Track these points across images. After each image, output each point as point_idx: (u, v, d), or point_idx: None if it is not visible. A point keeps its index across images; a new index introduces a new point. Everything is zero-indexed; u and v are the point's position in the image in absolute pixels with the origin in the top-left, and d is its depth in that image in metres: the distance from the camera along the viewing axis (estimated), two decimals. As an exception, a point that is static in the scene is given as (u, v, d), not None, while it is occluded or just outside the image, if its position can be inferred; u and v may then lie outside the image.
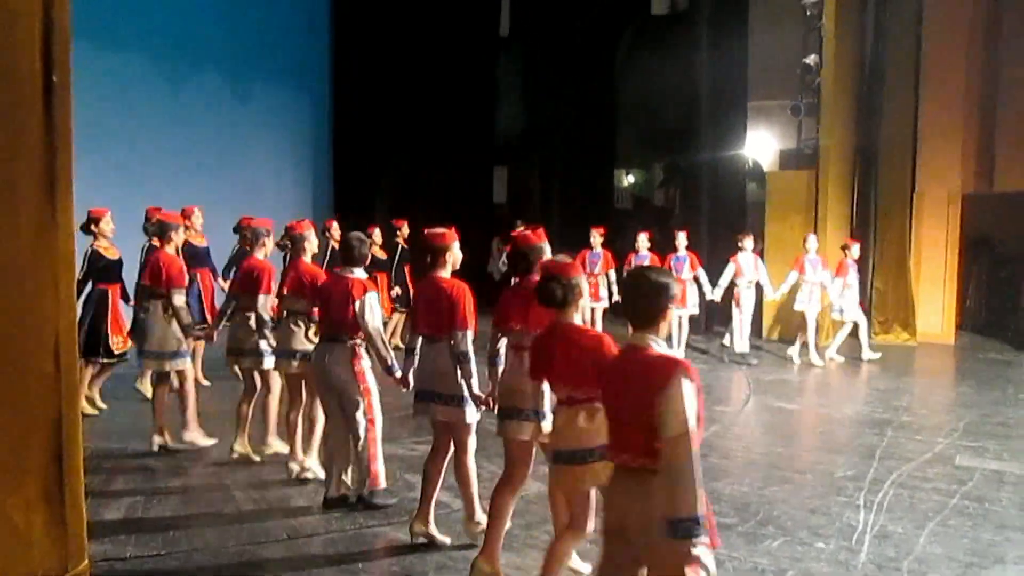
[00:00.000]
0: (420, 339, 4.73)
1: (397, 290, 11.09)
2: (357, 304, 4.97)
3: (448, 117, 15.20)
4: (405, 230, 11.44)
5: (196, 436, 6.46)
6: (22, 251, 1.71)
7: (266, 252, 6.15)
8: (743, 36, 13.57)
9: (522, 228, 10.52)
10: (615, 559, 2.81)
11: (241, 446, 6.14)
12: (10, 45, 1.72)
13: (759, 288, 10.56)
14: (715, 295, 10.56)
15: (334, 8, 15.26)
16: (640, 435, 2.66)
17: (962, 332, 12.32)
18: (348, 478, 5.27)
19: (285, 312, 5.85)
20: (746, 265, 10.43)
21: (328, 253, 9.89)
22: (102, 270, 7.10)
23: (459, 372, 4.50)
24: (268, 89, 13.90)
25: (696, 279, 10.58)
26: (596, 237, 10.89)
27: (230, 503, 5.36)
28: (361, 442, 5.12)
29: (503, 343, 4.39)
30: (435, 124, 15.18)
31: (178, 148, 12.05)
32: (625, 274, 3.14)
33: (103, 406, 7.40)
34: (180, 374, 6.43)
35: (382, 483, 5.19)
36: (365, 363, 5.13)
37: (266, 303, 5.92)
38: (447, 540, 4.70)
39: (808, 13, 12.96)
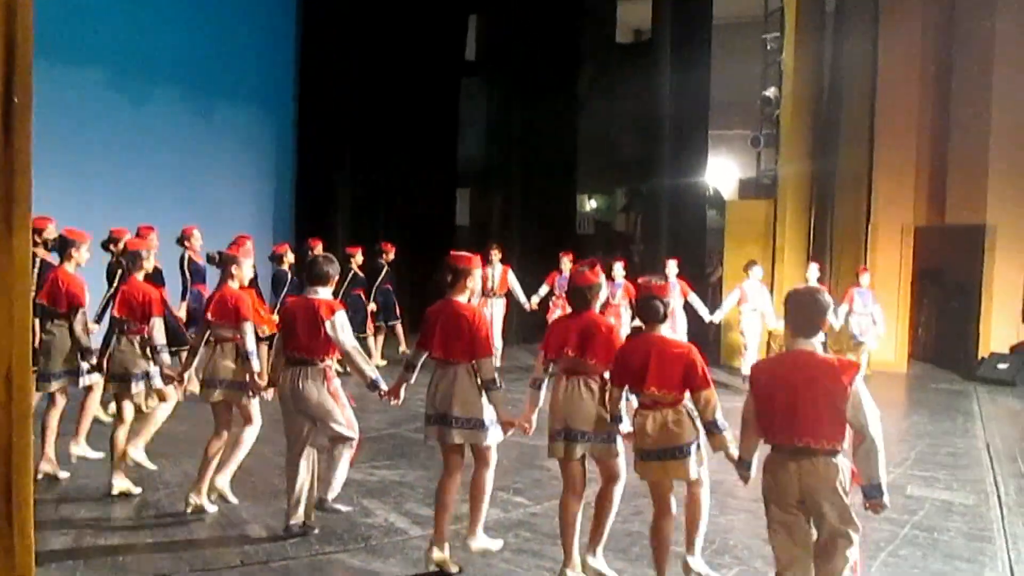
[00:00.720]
0: (423, 357, 4.79)
1: (373, 306, 11.23)
2: (327, 325, 4.87)
3: (412, 139, 15.21)
4: (391, 255, 11.53)
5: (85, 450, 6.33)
6: (-25, 275, 1.68)
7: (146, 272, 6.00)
8: (705, 67, 13.83)
9: (570, 261, 11.16)
10: (796, 525, 3.39)
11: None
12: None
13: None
14: (715, 318, 10.97)
15: (299, 26, 15.22)
16: (826, 422, 3.28)
17: (914, 361, 12.57)
18: (302, 507, 5.14)
19: (212, 338, 5.56)
20: (751, 292, 10.60)
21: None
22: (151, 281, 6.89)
23: (486, 398, 4.55)
24: (230, 107, 13.79)
25: (689, 304, 10.98)
26: (565, 262, 11.29)
27: (182, 528, 5.26)
28: (342, 457, 5.02)
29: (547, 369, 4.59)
30: (399, 146, 15.17)
31: (138, 166, 11.92)
32: (793, 292, 3.71)
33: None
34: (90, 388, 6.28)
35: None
36: (337, 382, 5.06)
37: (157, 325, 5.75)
38: (455, 570, 4.64)
39: (768, 47, 13.27)
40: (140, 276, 5.94)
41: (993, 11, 11.95)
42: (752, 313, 10.61)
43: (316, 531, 5.10)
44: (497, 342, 11.15)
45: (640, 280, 4.38)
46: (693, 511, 4.33)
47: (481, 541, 4.77)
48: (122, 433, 5.84)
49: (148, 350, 5.81)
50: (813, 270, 10.57)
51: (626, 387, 4.25)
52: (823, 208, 12.61)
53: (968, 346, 12.22)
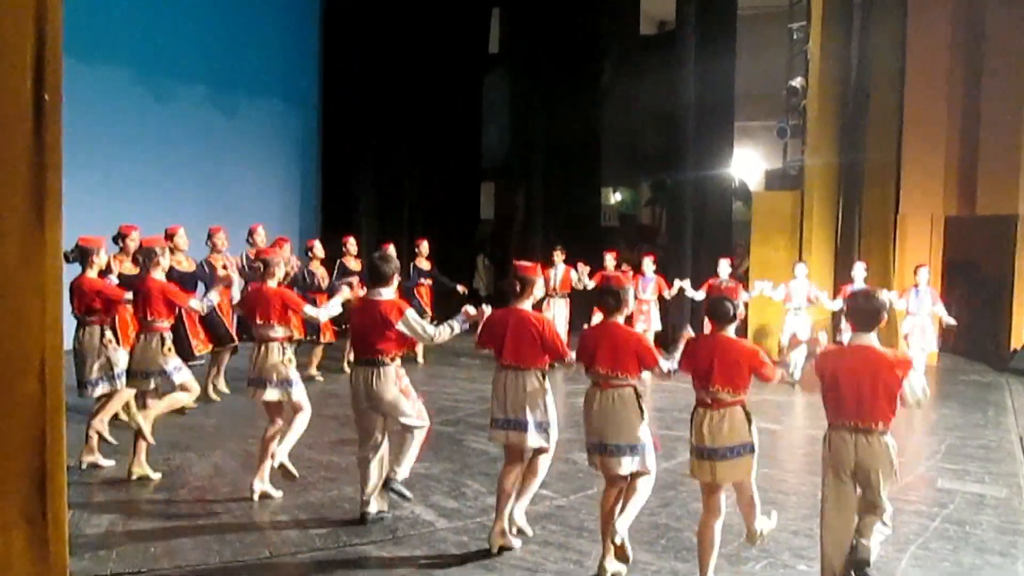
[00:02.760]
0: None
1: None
2: (401, 326, 5.00)
3: (436, 133, 15.25)
4: (424, 248, 11.54)
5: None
6: (9, 270, 1.71)
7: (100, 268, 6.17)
8: (730, 57, 13.70)
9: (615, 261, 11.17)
10: (846, 492, 3.95)
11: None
12: (0, 62, 1.72)
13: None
14: (745, 298, 10.65)
15: (323, 22, 15.30)
16: (885, 405, 3.86)
17: (944, 354, 12.42)
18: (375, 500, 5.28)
19: (256, 339, 5.74)
20: (796, 292, 10.22)
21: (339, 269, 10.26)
22: (177, 281, 6.93)
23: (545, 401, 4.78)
24: (255, 104, 13.90)
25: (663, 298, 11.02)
26: (648, 263, 11.21)
27: (212, 519, 5.32)
28: (412, 441, 5.15)
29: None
30: (423, 140, 15.22)
31: (163, 162, 12.04)
32: (853, 294, 4.37)
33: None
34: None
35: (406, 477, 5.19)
36: (406, 380, 5.22)
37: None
38: (518, 543, 4.86)
39: (794, 37, 13.14)
40: (156, 274, 6.06)
41: (1024, -2, 11.75)
42: (797, 313, 10.20)
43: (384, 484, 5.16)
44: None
45: (711, 281, 4.49)
46: (747, 510, 4.43)
47: (520, 521, 4.93)
48: (147, 424, 5.96)
49: (166, 348, 5.98)
50: (859, 268, 10.12)
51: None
52: (851, 199, 12.48)
53: (999, 338, 12.05)
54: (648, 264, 11.11)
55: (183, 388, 6.16)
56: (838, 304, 9.93)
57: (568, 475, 6.30)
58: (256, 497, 5.61)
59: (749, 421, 4.19)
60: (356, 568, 4.66)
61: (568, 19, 15.11)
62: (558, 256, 11.48)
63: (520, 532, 4.92)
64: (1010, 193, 11.87)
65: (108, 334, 6.20)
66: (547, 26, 15.13)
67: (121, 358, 6.24)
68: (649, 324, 10.86)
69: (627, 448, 4.39)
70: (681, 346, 4.49)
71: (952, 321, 9.96)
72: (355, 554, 4.81)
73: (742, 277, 14.04)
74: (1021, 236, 11.81)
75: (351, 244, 10.68)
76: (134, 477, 5.96)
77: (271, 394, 5.62)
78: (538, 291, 4.96)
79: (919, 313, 9.77)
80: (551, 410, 4.80)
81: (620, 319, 4.60)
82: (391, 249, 10.07)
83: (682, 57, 13.64)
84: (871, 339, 3.97)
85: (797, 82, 12.74)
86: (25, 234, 1.75)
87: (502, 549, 4.78)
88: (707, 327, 4.43)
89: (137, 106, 11.83)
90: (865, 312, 4.01)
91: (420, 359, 11.01)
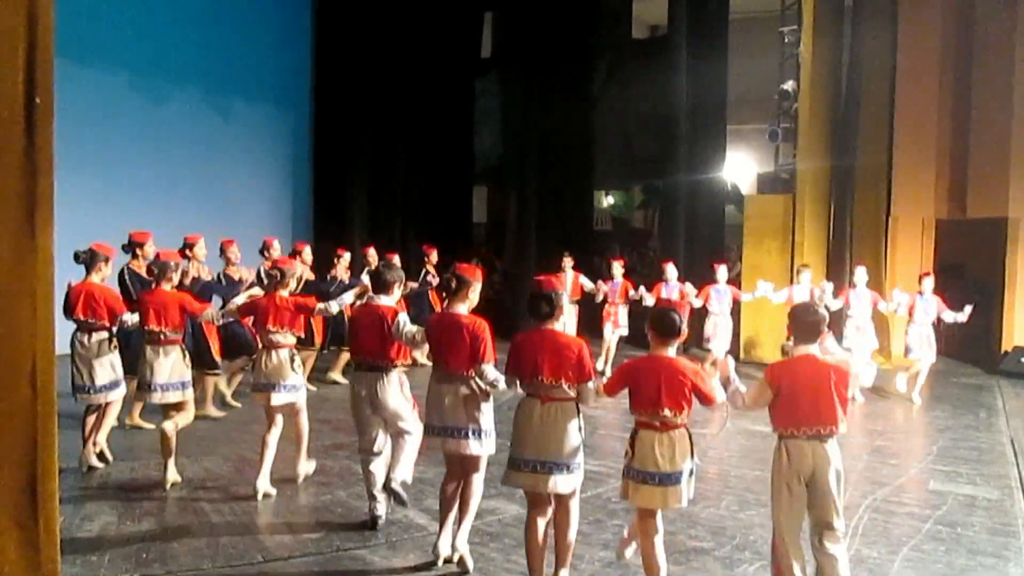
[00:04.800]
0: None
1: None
2: (393, 327, 5.00)
3: (428, 137, 15.26)
4: (434, 257, 11.48)
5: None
6: (0, 274, 1.70)
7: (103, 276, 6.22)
8: (722, 61, 13.75)
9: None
10: (799, 498, 4.03)
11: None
12: (-8, 66, 1.72)
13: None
14: (745, 298, 10.76)
15: (315, 27, 15.30)
16: (833, 413, 3.97)
17: (936, 356, 12.45)
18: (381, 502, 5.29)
19: (265, 344, 5.92)
20: (799, 297, 9.72)
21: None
22: (190, 291, 6.96)
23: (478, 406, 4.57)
24: (248, 107, 13.89)
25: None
26: (617, 267, 11.18)
27: (204, 523, 5.30)
28: (409, 446, 5.14)
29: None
30: (415, 144, 15.22)
31: (156, 165, 12.02)
32: (794, 309, 4.35)
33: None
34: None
35: (409, 481, 5.18)
36: (408, 387, 5.22)
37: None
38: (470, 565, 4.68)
39: (786, 40, 13.18)
40: (167, 286, 6.13)
41: (1014, 2, 11.81)
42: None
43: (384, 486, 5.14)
44: None
45: (657, 288, 4.48)
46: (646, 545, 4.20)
47: (463, 550, 4.70)
48: (169, 426, 6.02)
49: (187, 360, 6.11)
50: (861, 273, 9.94)
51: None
52: (842, 202, 12.51)
53: (991, 340, 12.10)
54: (617, 268, 11.15)
55: (183, 407, 6.20)
56: (838, 304, 9.86)
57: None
58: (260, 496, 5.72)
59: (692, 443, 4.11)
60: (350, 573, 4.65)
61: (560, 23, 15.14)
62: (567, 262, 11.35)
63: (461, 563, 4.67)
64: (1000, 196, 11.93)
65: (115, 340, 6.28)
66: (539, 30, 15.15)
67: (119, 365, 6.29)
68: (617, 327, 10.95)
69: (564, 466, 4.17)
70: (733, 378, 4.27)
71: (962, 317, 9.61)
72: (349, 558, 4.80)
73: (734, 280, 14.06)
74: (1011, 238, 11.86)
75: (345, 258, 10.48)
76: (168, 486, 5.99)
77: (280, 398, 5.78)
78: (473, 295, 4.71)
79: (924, 323, 9.55)
80: (487, 417, 4.60)
81: (558, 326, 4.33)
82: (396, 259, 10.12)
83: (674, 61, 13.69)
84: (814, 349, 4.12)
85: (789, 86, 12.77)
86: (16, 238, 1.74)
87: (447, 561, 4.68)
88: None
89: (130, 110, 11.80)
90: (807, 325, 4.15)
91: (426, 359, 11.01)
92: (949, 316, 9.62)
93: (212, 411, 8.05)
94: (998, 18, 12.02)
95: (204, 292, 7.55)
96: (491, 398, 4.63)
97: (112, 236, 7.67)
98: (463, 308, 4.68)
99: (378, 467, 5.26)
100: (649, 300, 10.34)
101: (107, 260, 6.24)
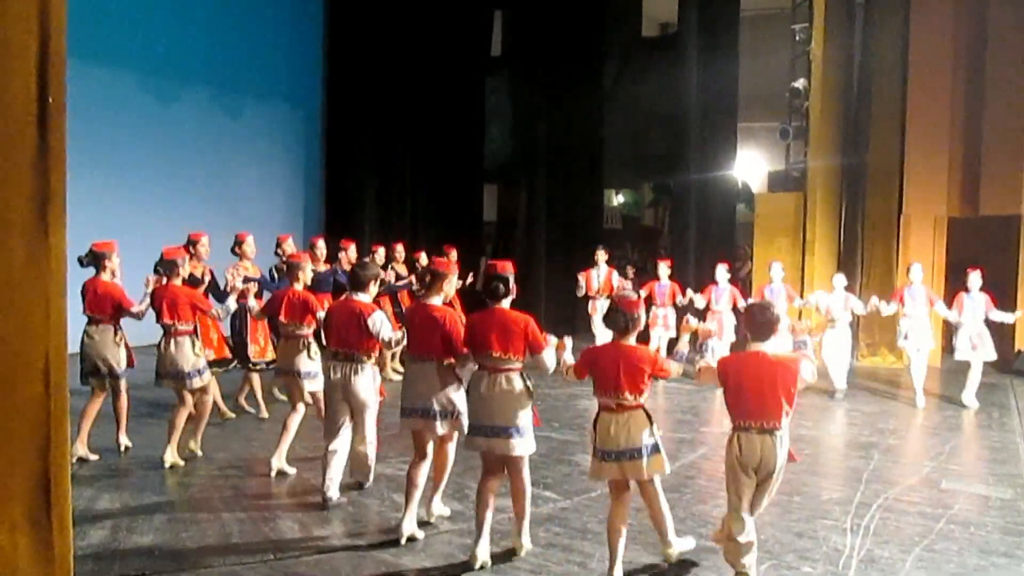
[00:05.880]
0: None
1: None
2: (369, 322, 5.35)
3: (438, 135, 15.26)
4: (454, 255, 11.44)
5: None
6: (14, 272, 1.71)
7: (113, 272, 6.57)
8: (732, 59, 13.72)
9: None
10: (748, 486, 4.30)
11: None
12: (5, 64, 1.73)
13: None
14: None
15: (326, 25, 15.32)
16: (777, 408, 4.20)
17: (948, 355, 12.38)
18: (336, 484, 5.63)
19: (284, 335, 6.42)
20: (835, 306, 9.63)
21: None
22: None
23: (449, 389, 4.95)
24: (259, 106, 13.93)
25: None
26: (663, 268, 10.87)
27: (215, 521, 5.32)
28: (371, 441, 5.68)
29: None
30: (425, 142, 15.23)
31: (167, 165, 12.06)
32: (749, 307, 4.64)
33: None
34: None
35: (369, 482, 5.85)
36: (379, 379, 5.66)
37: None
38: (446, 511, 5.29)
39: (797, 38, 13.14)
40: (178, 281, 6.54)
41: (1027, -2, 11.74)
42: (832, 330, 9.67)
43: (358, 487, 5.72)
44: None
45: (615, 293, 4.84)
46: (655, 509, 4.62)
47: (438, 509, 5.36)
48: (181, 416, 6.48)
49: (198, 349, 6.47)
50: (917, 270, 9.70)
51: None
52: (854, 200, 12.46)
53: (1003, 339, 12.02)
54: (663, 269, 10.85)
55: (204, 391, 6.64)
56: (893, 307, 9.64)
57: (571, 478, 6.30)
58: (273, 474, 6.15)
59: (651, 422, 4.41)
60: (360, 570, 4.66)
61: (570, 21, 15.12)
62: (600, 256, 11.15)
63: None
64: (1013, 194, 11.85)
65: (120, 333, 6.64)
66: (549, 28, 15.15)
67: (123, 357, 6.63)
68: (666, 329, 10.59)
69: (514, 430, 4.56)
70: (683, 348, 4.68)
71: (1010, 318, 9.44)
72: (358, 555, 4.81)
73: (744, 280, 14.04)
74: (1024, 237, 11.79)
75: (351, 251, 10.49)
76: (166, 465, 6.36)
77: (299, 383, 6.26)
78: (448, 288, 5.12)
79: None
80: (457, 398, 4.91)
81: (506, 305, 4.73)
82: (423, 256, 10.39)
83: (685, 59, 13.66)
84: (765, 346, 4.34)
85: (800, 83, 12.74)
86: (30, 237, 1.75)
87: (411, 539, 4.95)
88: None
89: (141, 109, 11.85)
90: (761, 324, 4.36)
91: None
92: (997, 315, 9.37)
93: (244, 404, 8.29)
94: (1011, 14, 11.94)
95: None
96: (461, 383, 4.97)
97: (124, 234, 7.72)
98: (438, 300, 5.06)
99: (339, 459, 5.59)
100: (700, 301, 10.32)
101: (110, 256, 6.54)
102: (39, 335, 1.74)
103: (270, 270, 8.65)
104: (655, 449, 4.41)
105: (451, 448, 5.26)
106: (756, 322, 4.38)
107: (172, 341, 6.41)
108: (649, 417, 4.41)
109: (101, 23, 10.60)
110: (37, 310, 1.75)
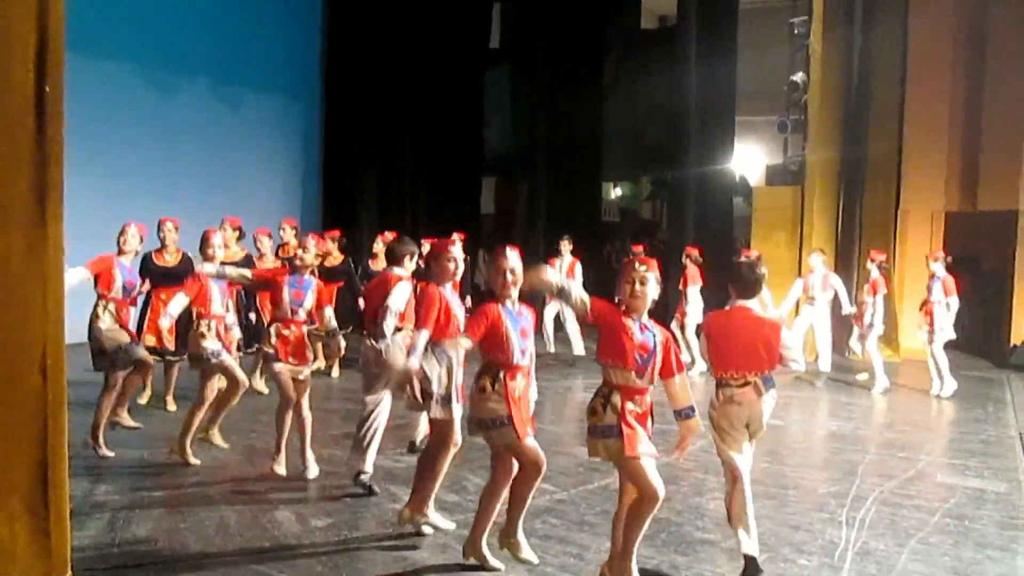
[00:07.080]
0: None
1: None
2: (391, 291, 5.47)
3: (437, 128, 15.25)
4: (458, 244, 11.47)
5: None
6: (12, 263, 1.71)
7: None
8: (731, 52, 13.70)
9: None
10: (740, 440, 4.44)
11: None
12: (4, 56, 1.72)
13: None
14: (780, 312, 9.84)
15: (325, 17, 15.29)
16: (760, 361, 4.31)
17: (945, 349, 12.41)
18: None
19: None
20: (814, 284, 9.96)
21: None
22: (160, 276, 7.70)
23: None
24: (258, 98, 13.90)
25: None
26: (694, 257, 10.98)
27: (214, 512, 5.33)
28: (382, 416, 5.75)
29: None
30: (425, 134, 15.22)
31: (167, 155, 12.04)
32: (738, 265, 4.71)
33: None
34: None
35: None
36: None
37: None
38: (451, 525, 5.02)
39: (795, 32, 13.13)
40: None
41: (1027, -8, 11.73)
42: (811, 308, 9.93)
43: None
44: (577, 339, 11.07)
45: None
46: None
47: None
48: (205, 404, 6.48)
49: (219, 331, 6.44)
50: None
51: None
52: (852, 194, 12.47)
53: (1000, 334, 12.05)
54: (565, 245, 11.36)
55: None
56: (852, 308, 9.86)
57: (569, 470, 6.31)
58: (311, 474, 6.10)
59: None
60: (357, 561, 4.67)
61: (569, 14, 15.11)
62: (565, 246, 11.47)
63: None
64: (1011, 189, 11.86)
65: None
66: (548, 21, 15.13)
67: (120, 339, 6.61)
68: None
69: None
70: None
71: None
72: (356, 547, 4.82)
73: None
74: (1022, 232, 11.80)
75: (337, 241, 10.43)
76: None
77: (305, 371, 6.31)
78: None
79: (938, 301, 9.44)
80: (442, 382, 4.76)
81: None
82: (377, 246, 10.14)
83: (683, 52, 13.64)
84: (751, 304, 4.45)
85: (798, 77, 12.73)
86: (28, 227, 1.75)
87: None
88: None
89: (140, 101, 11.82)
90: (748, 281, 4.44)
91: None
92: (953, 303, 9.52)
93: (260, 386, 8.44)
94: (1010, 8, 11.93)
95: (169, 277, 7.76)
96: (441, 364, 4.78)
97: (120, 225, 7.68)
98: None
99: (379, 431, 5.69)
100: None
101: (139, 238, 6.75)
102: (37, 325, 1.75)
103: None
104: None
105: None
106: (744, 279, 4.43)
107: (200, 323, 6.42)
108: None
109: (100, 15, 10.57)
110: (35, 300, 1.75)
